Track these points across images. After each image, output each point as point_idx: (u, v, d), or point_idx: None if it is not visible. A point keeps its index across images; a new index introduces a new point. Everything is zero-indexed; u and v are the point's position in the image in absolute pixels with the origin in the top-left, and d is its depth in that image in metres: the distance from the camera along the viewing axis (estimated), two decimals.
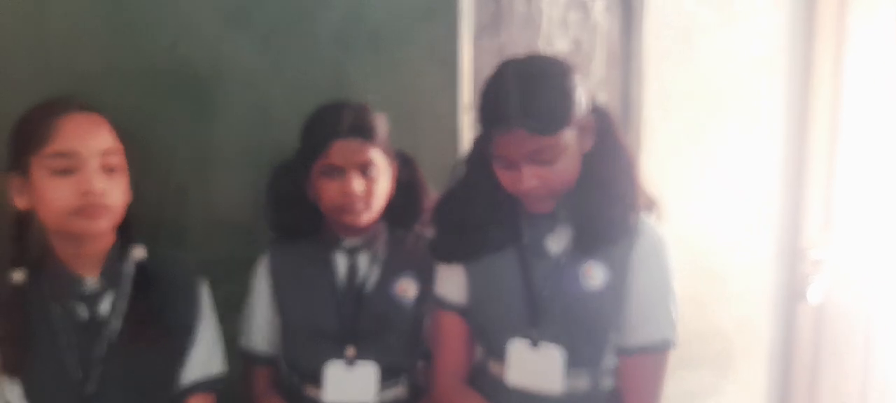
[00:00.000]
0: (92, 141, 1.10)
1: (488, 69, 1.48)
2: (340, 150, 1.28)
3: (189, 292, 1.25)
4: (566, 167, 1.16)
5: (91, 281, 1.17)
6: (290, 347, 1.37)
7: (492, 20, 1.76)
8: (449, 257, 1.30)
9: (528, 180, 1.14)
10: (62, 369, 1.14)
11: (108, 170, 1.11)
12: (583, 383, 1.24)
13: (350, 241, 1.36)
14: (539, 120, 1.11)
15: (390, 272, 1.38)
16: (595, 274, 1.21)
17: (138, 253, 1.20)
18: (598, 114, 1.22)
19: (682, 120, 1.96)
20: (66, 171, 1.08)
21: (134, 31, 1.42)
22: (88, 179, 1.08)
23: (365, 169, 1.29)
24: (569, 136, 1.14)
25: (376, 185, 1.31)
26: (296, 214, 1.36)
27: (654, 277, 1.21)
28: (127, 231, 1.19)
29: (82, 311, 1.16)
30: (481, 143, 1.24)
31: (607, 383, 1.26)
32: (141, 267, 1.20)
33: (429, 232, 1.37)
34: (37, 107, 1.12)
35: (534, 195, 1.18)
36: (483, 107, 1.19)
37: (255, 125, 1.51)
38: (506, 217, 1.26)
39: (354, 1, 1.56)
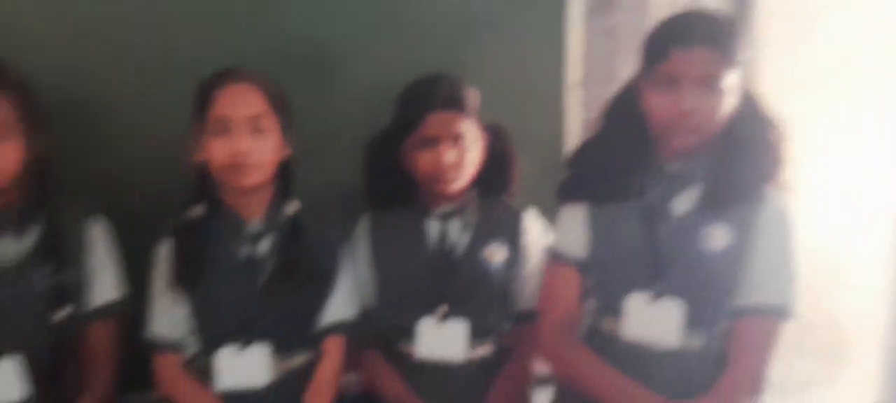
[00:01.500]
0: (242, 108, 1.29)
1: (597, 51, 1.54)
2: (434, 122, 1.37)
3: (332, 245, 1.44)
4: (720, 105, 1.19)
5: (253, 224, 1.37)
6: (386, 305, 1.48)
7: (601, 3, 1.80)
8: (577, 196, 1.35)
9: (690, 100, 1.17)
10: (225, 296, 1.35)
11: (257, 131, 1.28)
12: (697, 342, 1.27)
13: (442, 208, 1.46)
14: (721, 40, 1.16)
15: (480, 238, 1.46)
16: (719, 236, 1.24)
17: (292, 206, 1.40)
18: (748, 91, 1.26)
19: (799, 104, 1.91)
20: (221, 133, 1.27)
21: (272, 14, 1.57)
22: (236, 141, 1.26)
23: (457, 139, 1.38)
24: (730, 79, 1.18)
25: (467, 155, 1.40)
26: (390, 183, 1.47)
27: (777, 243, 1.24)
28: (285, 185, 1.39)
29: (245, 249, 1.37)
30: (630, 90, 1.30)
31: (719, 346, 1.28)
32: (294, 219, 1.39)
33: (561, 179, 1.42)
34: (205, 80, 1.32)
35: (686, 124, 1.20)
36: (661, 31, 1.23)
37: (374, 99, 1.62)
38: (639, 169, 1.30)
39: None
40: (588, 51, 1.75)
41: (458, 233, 1.46)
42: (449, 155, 1.37)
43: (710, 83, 1.17)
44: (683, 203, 1.27)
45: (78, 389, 1.32)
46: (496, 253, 1.47)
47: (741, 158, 1.24)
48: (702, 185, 1.26)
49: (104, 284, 1.35)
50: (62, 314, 1.29)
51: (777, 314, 1.24)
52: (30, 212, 1.28)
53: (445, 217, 1.46)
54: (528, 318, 1.49)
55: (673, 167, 1.28)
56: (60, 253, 1.29)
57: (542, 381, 1.62)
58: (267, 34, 1.57)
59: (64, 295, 1.29)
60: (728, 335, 1.27)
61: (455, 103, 1.38)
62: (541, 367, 1.53)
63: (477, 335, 1.45)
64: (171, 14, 1.53)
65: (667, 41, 1.20)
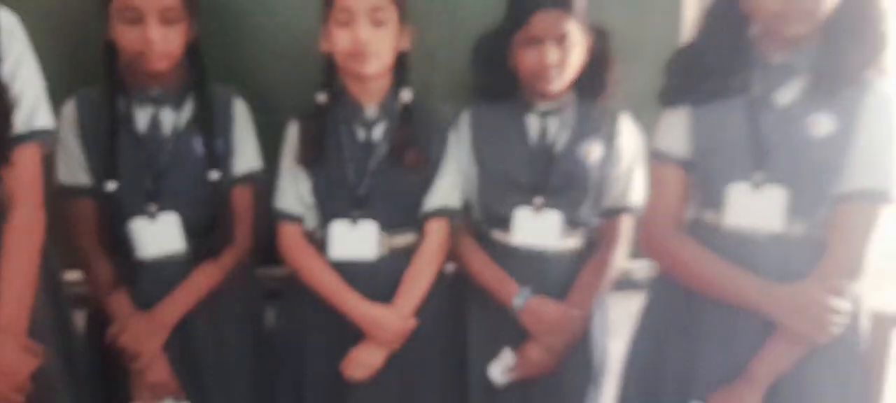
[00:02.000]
0: (363, 0, 1.40)
1: None
2: (541, 21, 1.43)
3: (441, 133, 1.56)
4: None
5: (370, 110, 1.52)
6: (485, 195, 1.58)
7: None
8: (679, 100, 1.40)
9: None
10: (342, 174, 1.51)
11: (377, 23, 1.42)
12: (799, 228, 1.31)
13: (542, 106, 1.53)
14: None
15: (577, 136, 1.54)
16: (823, 123, 1.27)
17: (406, 95, 1.52)
18: None
19: None
20: (344, 24, 1.41)
21: None
22: (357, 31, 1.40)
23: (561, 40, 1.44)
24: None
25: (570, 56, 1.46)
26: (496, 78, 1.55)
27: (879, 130, 1.26)
28: (402, 75, 1.52)
29: (361, 133, 1.53)
30: None
31: (820, 232, 1.31)
32: (407, 107, 1.52)
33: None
34: None
35: (798, 10, 1.22)
36: None
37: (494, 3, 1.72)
38: (740, 66, 1.33)
39: None
40: None
41: (556, 130, 1.54)
42: (552, 54, 1.43)
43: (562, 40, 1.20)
44: (787, 94, 1.31)
45: (224, 245, 1.53)
46: (592, 151, 1.54)
47: (845, 44, 1.25)
48: (805, 76, 1.29)
49: (246, 155, 1.56)
50: (213, 177, 1.50)
51: (878, 198, 1.27)
52: (186, 90, 1.50)
53: (545, 114, 1.54)
54: (615, 214, 1.58)
55: (776, 59, 1.30)
56: (211, 125, 1.50)
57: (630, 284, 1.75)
58: None
59: (214, 161, 1.50)
60: (829, 220, 1.31)
61: (562, 3, 1.43)
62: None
63: (569, 226, 1.55)
64: None
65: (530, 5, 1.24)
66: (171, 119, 1.48)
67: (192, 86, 1.49)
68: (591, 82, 1.54)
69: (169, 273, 1.49)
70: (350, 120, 1.52)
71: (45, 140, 1.29)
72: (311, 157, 1.50)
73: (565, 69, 1.46)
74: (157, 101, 1.47)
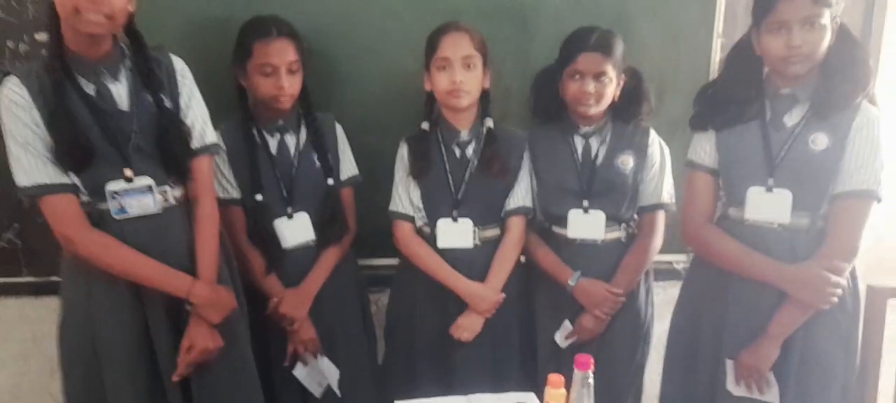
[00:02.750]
0: (458, 50, 1.80)
1: (740, 7, 1.91)
2: (584, 60, 1.79)
3: (518, 150, 1.94)
4: (820, 40, 1.55)
5: (463, 133, 1.92)
6: (543, 199, 1.95)
7: None
8: (707, 126, 1.74)
9: (797, 38, 1.54)
10: (444, 183, 1.90)
11: (468, 68, 1.81)
12: (803, 221, 1.64)
13: (585, 128, 1.90)
14: None
15: (614, 150, 1.89)
16: (820, 141, 1.60)
17: (489, 122, 1.92)
18: (840, 24, 1.60)
19: None
20: (443, 69, 1.81)
21: None
22: (454, 74, 1.80)
23: (598, 77, 1.81)
24: (827, 18, 1.54)
25: (605, 89, 1.81)
26: (550, 104, 1.92)
27: (867, 142, 1.57)
28: (485, 106, 1.92)
29: (457, 151, 1.92)
30: (745, 40, 1.68)
31: (821, 224, 1.64)
32: (490, 131, 1.91)
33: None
34: (433, 31, 1.85)
35: (794, 56, 1.56)
36: None
37: (558, 46, 2.10)
38: (755, 96, 1.67)
39: None
40: (729, 7, 2.13)
41: (597, 147, 1.90)
42: (590, 86, 1.79)
43: (812, 22, 1.54)
44: (792, 117, 1.64)
45: (342, 233, 1.95)
46: (627, 162, 1.89)
47: (837, 78, 1.58)
48: (806, 103, 1.62)
49: (347, 164, 1.99)
50: (329, 183, 1.92)
51: (867, 196, 1.58)
52: (299, 118, 1.92)
53: (587, 135, 1.91)
54: (649, 211, 1.92)
55: (784, 90, 1.64)
56: (323, 144, 1.92)
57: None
58: None
59: (328, 170, 1.92)
60: (828, 215, 1.63)
61: (601, 48, 1.79)
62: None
63: (612, 222, 1.90)
64: None
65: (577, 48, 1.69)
66: (293, 142, 1.91)
67: (305, 116, 1.92)
68: (627, 110, 1.90)
69: (304, 257, 1.91)
70: (448, 141, 1.91)
71: (214, 151, 1.72)
72: (421, 171, 1.89)
73: (601, 100, 1.82)
74: (282, 130, 1.90)
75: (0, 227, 2.16)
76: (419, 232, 1.95)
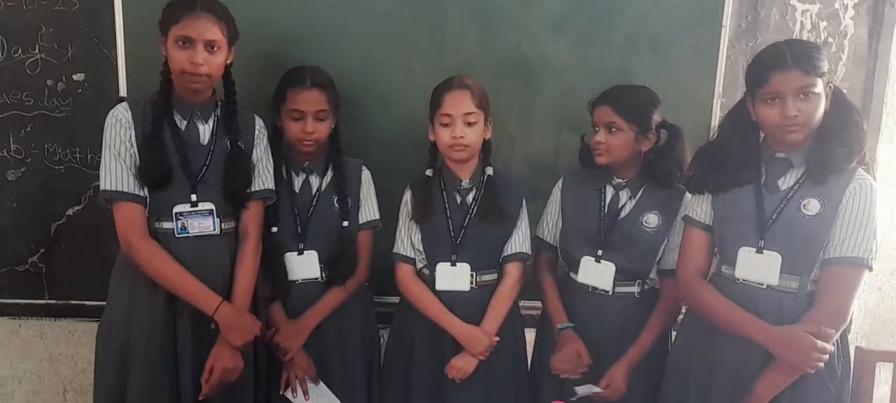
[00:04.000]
0: (460, 107, 1.87)
1: (741, 66, 1.94)
2: (599, 114, 1.87)
3: (517, 197, 2.00)
4: (815, 109, 1.57)
5: (465, 182, 1.98)
6: (564, 241, 2.00)
7: (748, 27, 2.23)
8: (703, 189, 1.77)
9: (791, 109, 1.56)
10: (445, 229, 1.96)
11: (469, 124, 1.88)
12: (793, 284, 1.64)
13: (617, 180, 1.94)
14: (808, 63, 1.56)
15: (641, 207, 1.91)
16: (812, 206, 1.62)
17: (489, 170, 1.99)
18: (834, 88, 1.63)
19: None
20: (446, 124, 1.89)
21: (494, 34, 2.19)
22: (455, 130, 1.87)
23: (609, 128, 1.84)
24: (820, 86, 1.57)
25: (614, 140, 1.84)
26: (587, 151, 1.94)
27: (860, 210, 1.58)
28: (486, 156, 1.99)
29: (458, 198, 1.98)
30: (740, 106, 1.70)
31: (811, 288, 1.63)
32: (490, 178, 1.98)
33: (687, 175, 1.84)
34: (437, 86, 1.92)
35: (791, 125, 1.57)
36: (761, 61, 1.62)
37: (563, 99, 2.20)
38: (750, 160, 1.70)
39: (640, 13, 2.18)
40: (730, 67, 2.20)
41: (625, 200, 1.92)
42: (600, 135, 1.85)
43: (805, 92, 1.56)
44: (786, 181, 1.66)
45: (348, 275, 1.99)
46: (651, 220, 1.90)
47: (831, 144, 1.60)
48: (801, 168, 1.64)
49: (368, 209, 2.06)
50: (344, 225, 2.00)
51: (859, 264, 1.58)
52: (326, 162, 2.02)
53: (618, 186, 1.94)
54: (669, 275, 1.88)
55: (780, 155, 1.67)
56: (344, 188, 2.01)
57: None
58: (486, 50, 2.19)
59: (345, 214, 2.00)
60: (818, 279, 1.62)
61: (611, 101, 1.84)
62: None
63: (622, 276, 1.90)
64: (414, 38, 2.18)
65: (766, 69, 1.60)
66: (317, 183, 2.00)
67: (333, 160, 2.02)
68: (659, 168, 1.90)
69: (310, 292, 1.98)
70: (450, 188, 1.98)
71: (270, 198, 1.91)
72: (423, 216, 1.96)
73: (611, 151, 1.86)
74: (307, 170, 2.00)
75: (26, 252, 2.29)
76: (419, 274, 2.02)
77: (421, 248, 1.99)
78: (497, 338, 1.93)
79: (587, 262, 1.94)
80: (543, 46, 2.19)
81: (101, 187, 1.74)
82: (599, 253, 1.92)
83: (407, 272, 2.01)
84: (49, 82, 2.17)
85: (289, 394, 1.95)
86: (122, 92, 2.14)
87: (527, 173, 2.20)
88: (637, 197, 1.92)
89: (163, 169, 1.74)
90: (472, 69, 2.06)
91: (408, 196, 2.02)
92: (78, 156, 2.22)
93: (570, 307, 1.98)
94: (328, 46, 2.14)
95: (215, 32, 1.72)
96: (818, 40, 2.25)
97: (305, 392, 1.94)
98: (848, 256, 1.59)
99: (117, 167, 1.72)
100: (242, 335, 1.79)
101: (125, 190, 1.73)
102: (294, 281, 1.98)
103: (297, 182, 2.00)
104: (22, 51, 2.15)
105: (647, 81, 2.12)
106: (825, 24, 2.25)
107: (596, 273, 1.93)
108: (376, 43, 2.18)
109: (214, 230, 1.80)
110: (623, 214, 1.92)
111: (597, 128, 1.89)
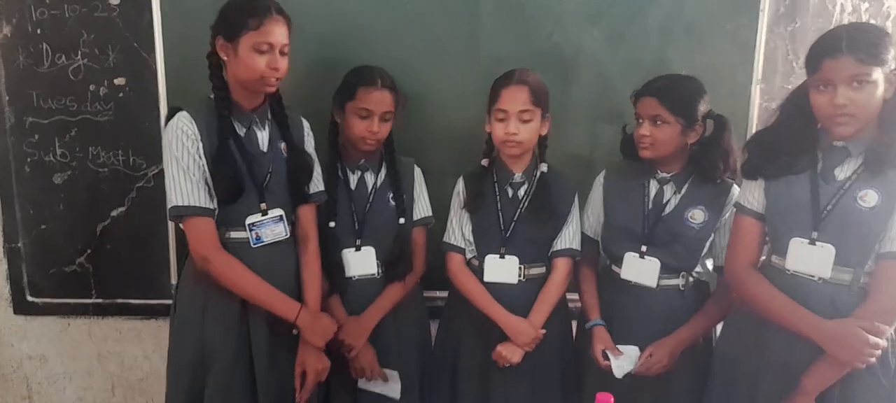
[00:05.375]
0: (516, 104, 1.87)
1: (780, 51, 1.89)
2: (643, 105, 1.82)
3: (568, 195, 2.00)
4: (869, 98, 1.51)
5: (518, 176, 1.98)
6: (607, 237, 1.98)
7: (787, 11, 2.19)
8: (758, 174, 1.72)
9: (842, 97, 1.51)
10: (495, 221, 1.97)
11: (523, 121, 1.88)
12: (846, 276, 1.60)
13: (662, 173, 1.89)
14: (865, 50, 1.49)
15: (687, 202, 1.87)
16: (869, 198, 1.57)
17: (543, 167, 1.99)
18: None
19: None
20: (501, 119, 1.89)
21: (527, 27, 2.18)
22: (509, 126, 1.88)
23: (654, 121, 1.80)
24: (877, 74, 1.50)
25: (659, 134, 1.80)
26: (630, 144, 1.90)
27: None
28: (541, 152, 1.99)
29: (510, 191, 1.99)
30: (801, 89, 1.64)
31: (864, 281, 1.59)
32: (543, 174, 1.98)
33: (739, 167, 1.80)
34: (495, 81, 1.92)
35: (842, 114, 1.52)
36: (816, 46, 1.56)
37: (598, 90, 2.19)
38: (808, 147, 1.65)
39: (676, 0, 2.15)
40: (770, 52, 2.16)
41: (670, 195, 1.88)
42: (645, 128, 1.81)
43: (859, 80, 1.50)
44: (844, 171, 1.61)
45: (406, 271, 2.01)
46: (697, 216, 1.86)
47: (893, 135, 1.54)
48: (859, 157, 1.59)
49: (422, 206, 2.08)
50: (400, 222, 2.02)
51: None
52: (381, 160, 2.04)
53: (662, 181, 1.90)
54: (721, 270, 1.85)
55: (838, 143, 1.61)
56: (399, 185, 2.02)
57: None
58: (519, 43, 2.18)
59: (401, 211, 2.02)
60: (872, 273, 1.58)
61: (657, 93, 1.80)
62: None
63: (666, 271, 1.87)
64: (447, 34, 2.18)
65: (818, 55, 1.55)
66: (372, 180, 2.02)
67: (387, 158, 2.04)
68: (705, 160, 1.85)
69: (368, 288, 2.00)
70: (503, 181, 1.98)
71: (322, 200, 1.94)
72: (475, 206, 1.97)
73: (656, 145, 1.82)
74: (363, 168, 2.01)
75: (74, 253, 2.34)
76: (469, 264, 2.03)
77: (471, 239, 2.00)
78: (543, 331, 1.93)
79: (631, 259, 1.91)
80: (577, 37, 2.18)
81: (172, 203, 1.70)
82: (643, 249, 1.90)
83: (457, 262, 2.02)
84: (91, 87, 2.21)
85: (362, 383, 1.99)
86: (162, 96, 2.18)
87: (563, 167, 2.15)
88: (682, 191, 1.88)
89: (237, 182, 1.73)
90: (505, 62, 2.04)
91: (461, 185, 2.04)
92: (120, 158, 2.27)
93: (612, 302, 1.96)
94: (362, 46, 2.15)
95: (287, 36, 1.73)
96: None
97: (384, 377, 1.98)
98: None
99: (186, 182, 1.69)
100: (323, 336, 1.82)
101: (197, 204, 1.70)
102: (351, 278, 2.00)
103: (353, 179, 2.02)
104: (65, 57, 2.19)
105: (683, 69, 2.10)
106: (867, 6, 2.19)
107: (639, 269, 1.90)
108: (410, 42, 2.18)
109: (286, 235, 1.82)
110: (668, 209, 1.89)
111: (641, 121, 1.85)
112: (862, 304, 1.58)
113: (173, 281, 2.30)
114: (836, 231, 1.60)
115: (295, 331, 1.81)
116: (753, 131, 2.17)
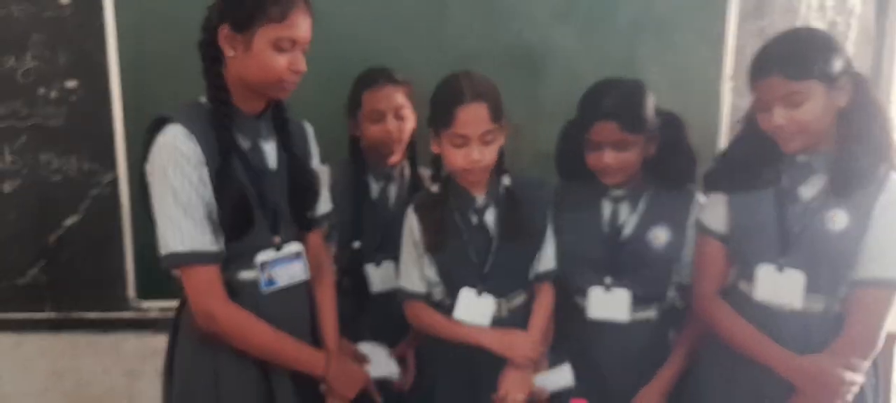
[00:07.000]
0: (477, 126, 1.54)
1: (750, 48, 1.85)
2: (599, 130, 1.58)
3: (542, 209, 1.71)
4: (809, 114, 1.38)
5: (480, 199, 1.66)
6: (564, 266, 1.71)
7: (755, 7, 2.18)
8: (718, 186, 1.59)
9: (778, 118, 1.40)
10: (465, 255, 1.65)
11: (485, 143, 1.56)
12: (818, 305, 1.47)
13: (615, 192, 1.67)
14: (794, 65, 1.37)
15: (647, 221, 1.66)
16: (839, 219, 1.43)
17: (505, 180, 1.67)
18: (854, 76, 1.43)
19: None
20: (460, 146, 1.56)
21: (494, 24, 2.13)
22: (471, 152, 1.55)
23: (617, 145, 1.58)
24: (813, 87, 1.37)
25: (621, 158, 1.59)
26: (575, 167, 1.68)
27: (891, 225, 1.40)
28: (500, 164, 1.66)
29: (474, 218, 1.66)
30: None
31: (838, 311, 1.47)
32: (509, 189, 1.66)
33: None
34: (444, 95, 1.57)
35: (784, 133, 1.41)
36: (751, 67, 1.45)
37: (567, 88, 2.09)
38: (769, 161, 1.50)
39: None
40: (740, 49, 2.14)
41: (626, 216, 1.67)
42: (608, 157, 1.59)
43: (792, 99, 1.38)
44: (810, 189, 1.47)
45: None
46: (660, 236, 1.66)
47: (855, 149, 1.41)
48: (826, 174, 1.45)
49: None
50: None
51: (891, 285, 1.42)
52: (403, 168, 1.91)
53: (617, 200, 1.68)
54: (686, 290, 1.68)
55: (801, 158, 1.47)
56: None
57: None
58: (487, 39, 2.13)
59: None
60: (846, 301, 1.46)
61: (618, 116, 1.56)
62: None
63: (639, 302, 1.66)
64: (414, 26, 2.12)
65: (752, 76, 1.46)
66: (395, 192, 1.88)
67: (410, 167, 1.92)
68: (665, 170, 1.66)
69: (391, 303, 1.79)
70: (464, 208, 1.65)
71: (330, 221, 1.70)
72: (437, 245, 1.65)
73: (620, 170, 1.61)
74: (387, 178, 1.88)
75: (25, 264, 2.24)
76: (439, 307, 1.72)
77: (437, 280, 1.71)
78: (541, 348, 1.68)
79: (596, 294, 1.69)
80: (546, 33, 2.14)
81: (169, 248, 1.34)
82: (609, 281, 1.68)
83: (419, 308, 1.72)
84: (41, 90, 2.12)
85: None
86: (116, 98, 2.08)
87: (534, 166, 2.10)
88: (638, 210, 1.68)
89: (245, 213, 1.38)
90: (473, 59, 1.98)
91: (413, 221, 1.70)
92: (74, 164, 2.17)
93: (580, 341, 1.72)
94: (324, 36, 2.05)
95: (310, 32, 1.42)
96: (823, 19, 2.20)
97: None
98: (880, 277, 1.43)
99: (186, 220, 1.33)
100: (355, 385, 1.58)
101: (201, 249, 1.35)
102: (373, 294, 1.86)
103: (375, 188, 1.89)
104: (14, 59, 2.10)
105: (653, 66, 2.11)
106: (832, 3, 2.20)
107: (607, 303, 1.69)
108: (375, 31, 2.12)
109: (305, 276, 1.53)
110: (626, 232, 1.67)
111: (601, 147, 1.61)
112: (836, 338, 1.46)
113: (131, 293, 2.20)
114: (805, 256, 1.47)
115: (322, 388, 1.54)
116: (724, 128, 2.16)
